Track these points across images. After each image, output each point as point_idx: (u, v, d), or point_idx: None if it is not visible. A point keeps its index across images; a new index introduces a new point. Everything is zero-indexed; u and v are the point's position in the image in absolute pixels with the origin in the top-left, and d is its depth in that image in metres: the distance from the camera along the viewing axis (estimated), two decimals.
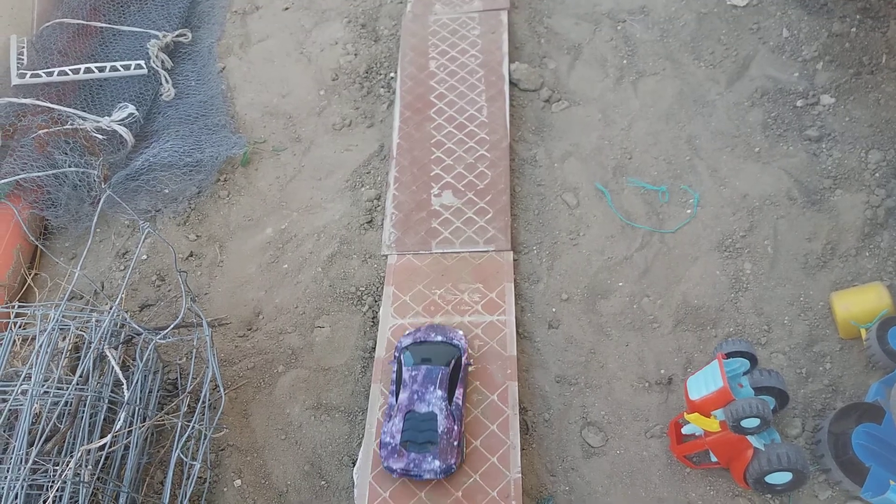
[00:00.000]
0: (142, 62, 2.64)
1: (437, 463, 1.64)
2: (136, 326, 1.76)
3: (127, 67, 2.64)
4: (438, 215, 2.17)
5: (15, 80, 2.56)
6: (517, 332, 1.91)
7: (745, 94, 2.36)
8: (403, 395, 1.73)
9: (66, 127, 2.31)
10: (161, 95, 2.64)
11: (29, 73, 2.58)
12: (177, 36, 2.81)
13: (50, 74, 2.58)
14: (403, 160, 2.31)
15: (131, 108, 2.48)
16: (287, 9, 2.93)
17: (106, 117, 2.46)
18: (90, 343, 1.75)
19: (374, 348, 1.95)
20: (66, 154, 2.29)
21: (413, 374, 1.75)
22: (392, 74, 2.61)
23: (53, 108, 2.44)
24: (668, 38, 2.56)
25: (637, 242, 2.09)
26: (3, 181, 2.20)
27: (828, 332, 1.87)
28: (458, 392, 1.74)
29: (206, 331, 1.77)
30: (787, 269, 1.99)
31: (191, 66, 2.76)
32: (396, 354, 1.82)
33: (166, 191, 2.36)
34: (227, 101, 2.62)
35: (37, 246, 2.31)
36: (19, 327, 1.84)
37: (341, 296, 2.09)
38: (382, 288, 2.05)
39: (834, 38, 2.44)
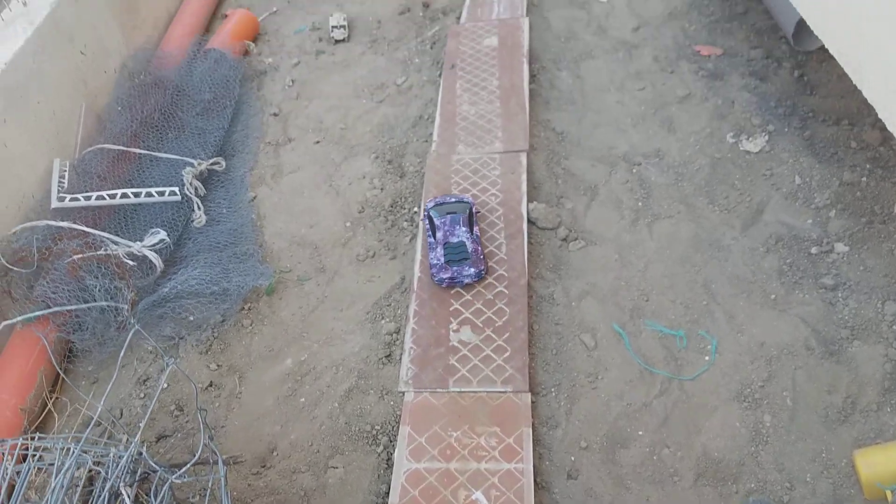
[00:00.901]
0: (176, 189, 2.76)
1: (472, 269, 2.32)
2: (153, 465, 1.76)
3: (161, 194, 2.76)
4: (456, 351, 2.19)
5: (55, 204, 2.68)
6: (535, 481, 1.89)
7: (760, 239, 2.42)
8: (439, 234, 2.44)
9: (100, 252, 2.39)
10: (193, 222, 2.75)
11: (68, 196, 2.70)
12: (211, 164, 2.94)
13: (88, 199, 2.69)
14: (423, 294, 2.36)
15: (163, 234, 2.57)
16: (318, 142, 3.07)
17: (138, 242, 2.55)
18: (106, 478, 1.75)
19: (387, 493, 1.93)
20: (97, 278, 2.36)
21: (442, 220, 2.48)
22: (416, 209, 2.70)
23: (88, 233, 2.54)
24: (683, 182, 2.65)
25: (656, 389, 2.09)
26: (34, 314, 2.26)
27: (852, 492, 1.84)
28: (475, 228, 2.47)
29: (221, 470, 1.77)
30: (807, 422, 1.97)
31: (223, 193, 2.87)
32: (426, 213, 2.53)
33: (191, 318, 2.41)
34: (256, 229, 2.71)
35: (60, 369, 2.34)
36: (37, 459, 1.84)
37: (356, 434, 2.09)
38: (398, 427, 2.05)
39: (845, 187, 2.52)
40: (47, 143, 2.82)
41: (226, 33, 3.64)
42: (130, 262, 2.41)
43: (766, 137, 2.74)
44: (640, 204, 2.60)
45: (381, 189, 2.81)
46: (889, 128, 2.13)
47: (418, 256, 2.47)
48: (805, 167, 2.61)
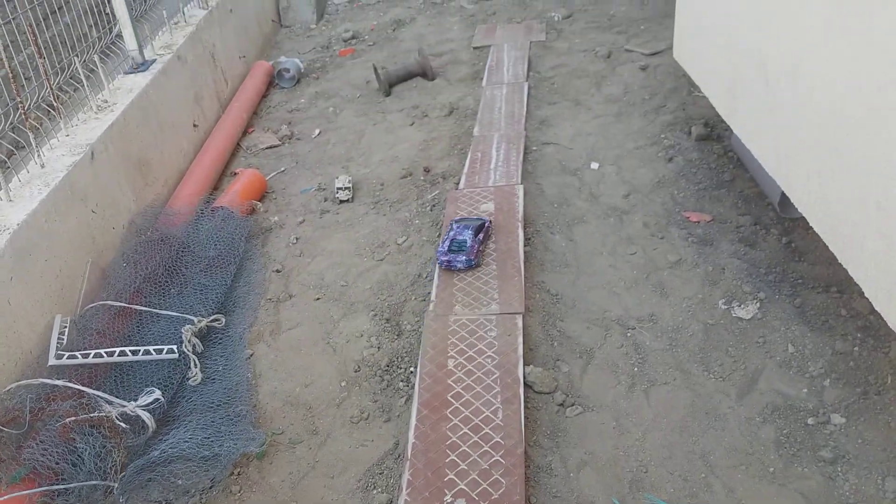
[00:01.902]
0: (174, 347, 2.78)
1: (464, 258, 3.03)
2: None
3: (159, 352, 2.77)
4: None
5: (52, 361, 2.69)
6: None
7: (756, 408, 2.41)
8: (451, 233, 3.17)
9: (93, 415, 2.38)
10: (188, 379, 2.75)
11: (66, 354, 2.71)
12: (211, 321, 2.98)
13: (86, 356, 2.70)
14: (418, 462, 2.32)
15: (157, 394, 2.56)
16: (318, 299, 3.13)
17: (132, 402, 2.54)
18: None
19: None
20: (88, 442, 2.33)
21: (457, 226, 3.23)
22: (412, 369, 2.71)
23: (83, 392, 2.53)
24: (677, 348, 2.67)
25: None
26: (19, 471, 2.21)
27: None
28: (481, 237, 3.17)
29: None
30: None
31: (220, 350, 2.89)
32: (450, 224, 3.28)
33: (179, 482, 2.35)
34: (251, 388, 2.71)
35: None
36: None
37: None
38: None
39: (838, 356, 2.54)
40: (50, 299, 2.87)
41: (234, 192, 3.81)
42: (123, 425, 2.38)
43: (758, 304, 2.79)
44: (635, 369, 2.62)
45: (378, 348, 2.83)
46: (876, 307, 2.19)
47: (413, 420, 2.45)
48: (797, 335, 2.65)
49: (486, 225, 3.26)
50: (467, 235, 3.14)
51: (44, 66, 3.42)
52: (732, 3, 3.13)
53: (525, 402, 2.48)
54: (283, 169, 4.35)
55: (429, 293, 3.03)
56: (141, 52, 4.36)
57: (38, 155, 3.24)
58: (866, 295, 2.25)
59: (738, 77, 3.12)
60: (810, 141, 2.48)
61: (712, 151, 3.89)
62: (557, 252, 3.26)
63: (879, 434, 2.27)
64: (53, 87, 3.45)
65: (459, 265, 3.05)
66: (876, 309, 2.19)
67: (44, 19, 3.87)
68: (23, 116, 3.16)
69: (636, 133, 4.24)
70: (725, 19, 3.24)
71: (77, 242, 3.09)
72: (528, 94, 4.87)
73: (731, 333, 2.70)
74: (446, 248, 3.10)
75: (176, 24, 4.97)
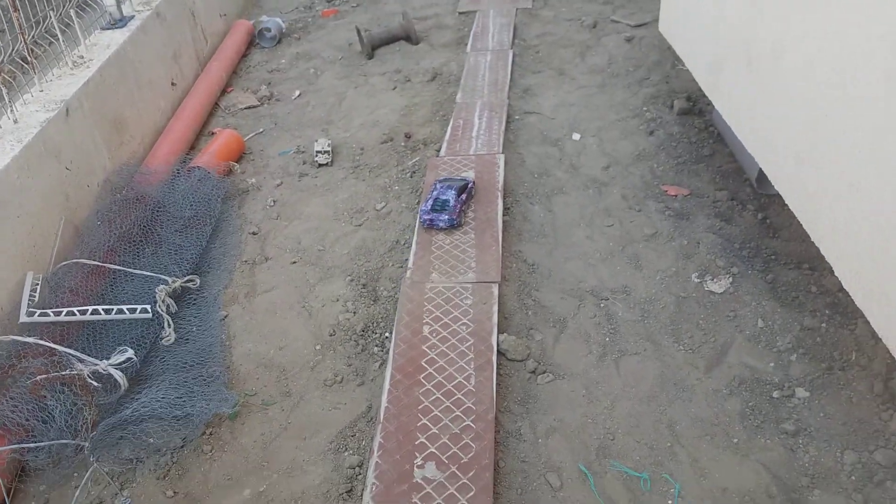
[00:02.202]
0: (147, 307, 2.76)
1: (446, 216, 3.09)
2: None
3: (133, 311, 2.76)
4: (420, 489, 2.15)
5: (23, 318, 2.66)
6: None
7: (724, 381, 2.45)
8: (434, 193, 3.21)
9: (65, 373, 2.37)
10: (161, 339, 2.74)
11: (38, 311, 2.69)
12: (186, 281, 2.96)
13: (58, 314, 2.68)
14: (390, 425, 2.34)
15: (130, 353, 2.55)
16: (295, 262, 3.12)
17: (104, 360, 2.53)
18: None
19: None
20: (59, 399, 2.32)
21: (441, 185, 3.26)
22: (387, 334, 2.73)
23: (55, 350, 2.51)
24: (649, 320, 2.71)
25: None
26: None
27: None
28: (464, 197, 3.22)
29: None
30: None
31: (194, 311, 2.88)
32: (433, 184, 3.31)
33: (151, 441, 2.35)
34: (224, 350, 2.71)
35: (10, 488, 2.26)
36: None
37: None
38: None
39: (806, 332, 2.59)
40: (22, 256, 2.83)
41: (211, 152, 3.76)
42: (95, 383, 2.37)
43: (731, 279, 2.83)
44: (607, 339, 2.65)
45: (354, 313, 2.84)
46: (844, 285, 2.22)
47: (387, 385, 2.47)
48: (768, 310, 2.69)
49: (469, 185, 3.30)
50: (450, 195, 3.18)
51: (18, 19, 3.33)
52: None
53: (497, 369, 2.50)
54: (261, 130, 4.29)
55: (406, 260, 3.03)
56: (119, 8, 4.26)
57: (12, 110, 3.17)
58: (835, 273, 2.29)
59: (722, 54, 3.11)
60: (789, 121, 2.49)
61: (693, 126, 3.90)
62: (536, 222, 3.27)
63: (841, 409, 2.32)
64: (28, 41, 3.36)
65: (441, 224, 3.10)
66: (845, 288, 2.23)
67: None
68: None
69: (619, 105, 4.24)
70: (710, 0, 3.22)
71: (50, 200, 3.04)
72: (513, 61, 4.83)
73: (703, 307, 2.74)
74: (429, 207, 3.15)
75: None
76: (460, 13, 5.73)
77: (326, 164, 3.84)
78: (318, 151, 3.87)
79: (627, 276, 2.91)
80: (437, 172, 3.58)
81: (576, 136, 3.97)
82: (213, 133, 4.17)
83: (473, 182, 3.36)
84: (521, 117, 4.22)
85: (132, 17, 4.31)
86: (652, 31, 4.98)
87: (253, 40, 5.48)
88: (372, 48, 5.14)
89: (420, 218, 3.16)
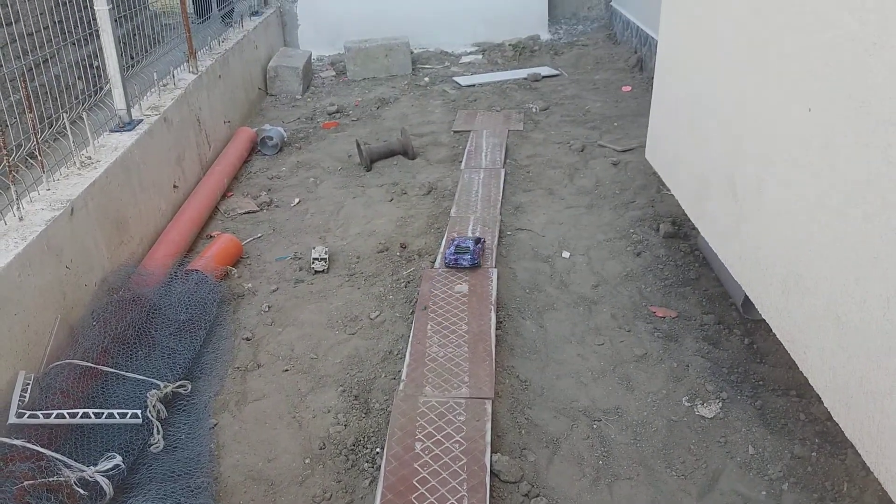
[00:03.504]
0: (138, 412, 2.73)
1: (468, 257, 3.72)
2: None
3: (123, 416, 2.72)
4: None
5: (12, 419, 2.62)
6: None
7: None
8: (455, 242, 3.86)
9: (51, 479, 2.31)
10: (150, 446, 2.69)
11: (27, 413, 2.65)
12: (177, 387, 2.94)
13: (48, 416, 2.64)
14: None
15: (118, 460, 2.51)
16: (287, 370, 3.12)
17: (91, 466, 2.48)
18: None
19: None
20: None
21: (458, 238, 3.90)
22: (378, 450, 2.70)
23: (42, 454, 2.46)
24: (641, 443, 2.71)
25: None
26: None
27: None
28: (480, 246, 3.85)
29: None
30: None
31: (184, 418, 2.85)
32: (451, 241, 3.98)
33: None
34: (213, 460, 2.66)
35: None
36: None
37: None
38: None
39: (797, 461, 2.61)
40: (15, 354, 2.81)
41: (209, 256, 3.82)
42: (82, 491, 2.32)
43: (720, 404, 2.87)
44: (600, 462, 2.64)
45: (345, 425, 2.82)
46: (833, 416, 2.27)
47: (378, 503, 2.43)
48: (758, 437, 2.71)
49: (482, 240, 3.98)
50: (469, 243, 3.85)
51: (32, 120, 3.45)
52: (704, 118, 3.32)
53: (490, 490, 2.48)
54: (259, 235, 4.38)
55: (399, 371, 3.05)
56: (128, 112, 4.41)
57: (18, 207, 3.22)
58: (826, 405, 2.33)
59: (707, 185, 3.28)
60: (775, 254, 2.60)
61: (679, 249, 4.03)
62: (528, 338, 3.32)
63: None
64: (40, 140, 3.47)
65: (465, 263, 3.74)
66: (834, 419, 2.27)
67: (35, 66, 3.93)
68: (7, 168, 3.16)
69: (606, 225, 4.39)
70: (697, 132, 3.43)
71: (48, 298, 3.05)
72: (505, 179, 5.03)
73: (694, 431, 2.76)
74: (453, 251, 3.79)
75: (165, 86, 5.06)
76: (455, 132, 5.99)
77: (322, 272, 3.91)
78: (314, 258, 3.94)
79: (619, 397, 2.94)
80: (431, 283, 3.65)
81: (566, 254, 4.09)
82: (211, 236, 4.25)
83: (484, 240, 4.00)
84: (512, 233, 4.35)
85: (140, 120, 4.46)
86: (638, 156, 5.22)
87: (255, 147, 5.67)
88: (370, 161, 5.33)
89: (445, 260, 3.79)
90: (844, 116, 2.14)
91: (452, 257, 3.76)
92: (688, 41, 3.61)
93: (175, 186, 4.56)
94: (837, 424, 2.31)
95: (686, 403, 2.89)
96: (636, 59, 7.44)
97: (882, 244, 1.97)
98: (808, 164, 2.36)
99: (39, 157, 3.48)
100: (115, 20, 4.26)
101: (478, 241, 3.90)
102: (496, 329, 3.30)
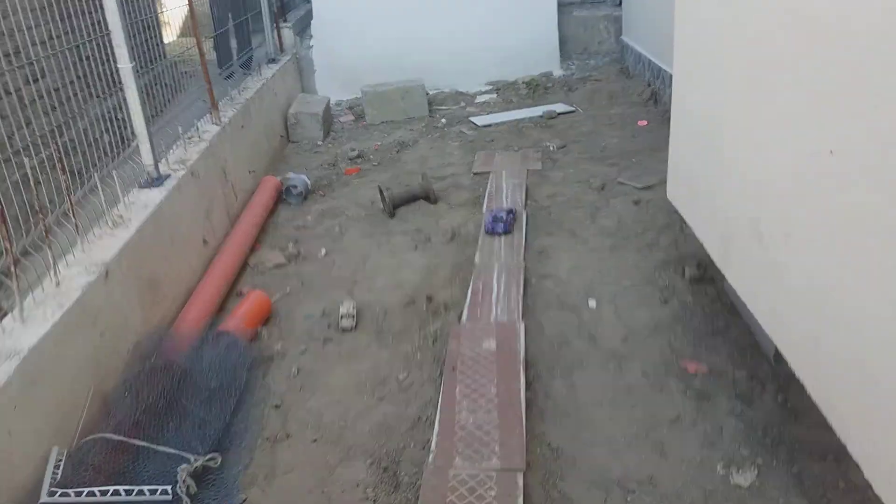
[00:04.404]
0: (168, 488, 2.75)
1: (501, 226, 4.78)
2: None
3: (153, 492, 2.74)
4: None
5: (44, 499, 2.65)
6: None
7: None
8: (493, 212, 4.93)
9: None
10: None
11: (59, 491, 2.67)
12: (207, 460, 2.95)
13: (79, 494, 2.67)
14: None
15: None
16: (316, 440, 3.12)
17: None
18: None
19: None
20: None
21: (496, 208, 4.95)
22: None
23: None
24: None
25: None
26: None
27: None
28: (511, 216, 4.89)
29: None
30: None
31: (213, 493, 2.85)
32: (489, 211, 5.03)
33: None
34: None
35: None
36: None
37: None
38: None
39: None
40: (49, 428, 2.84)
41: (239, 316, 3.85)
42: None
43: (756, 472, 2.81)
44: None
45: (374, 501, 2.80)
46: (875, 489, 2.20)
47: None
48: None
49: (514, 210, 5.01)
50: (503, 214, 4.86)
51: (66, 181, 3.49)
52: (724, 157, 3.26)
53: None
54: (288, 290, 4.41)
55: (428, 440, 3.03)
56: (156, 168, 4.46)
57: (55, 272, 3.23)
58: (865, 476, 2.27)
59: (732, 229, 3.21)
60: (806, 304, 2.51)
61: (706, 294, 3.98)
62: (558, 400, 3.28)
63: None
64: (73, 201, 3.50)
65: (500, 230, 4.78)
66: (875, 492, 2.21)
67: (63, 122, 4.00)
68: (42, 232, 3.19)
69: (631, 269, 4.35)
70: (719, 172, 3.37)
71: (82, 367, 3.08)
72: (527, 222, 5.02)
73: (731, 502, 2.70)
74: (490, 219, 4.86)
75: (190, 139, 5.13)
76: (475, 174, 6.01)
77: (350, 329, 3.91)
78: (342, 315, 3.95)
79: (653, 465, 2.89)
80: (459, 341, 3.64)
81: (592, 304, 4.05)
82: (241, 293, 4.28)
83: (514, 210, 5.04)
84: (537, 281, 4.33)
85: (168, 175, 4.51)
86: (659, 193, 5.18)
87: (280, 196, 5.72)
88: (394, 207, 5.35)
89: (485, 227, 4.87)
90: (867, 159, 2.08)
91: (490, 225, 4.80)
92: (703, 78, 3.59)
93: (205, 241, 4.61)
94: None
95: (721, 471, 2.83)
96: (650, 92, 7.42)
97: None
98: (832, 212, 2.30)
99: (74, 220, 3.51)
100: (137, 71, 4.32)
101: (510, 211, 4.93)
102: (526, 390, 3.27)
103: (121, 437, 2.96)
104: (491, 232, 4.76)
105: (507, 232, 4.76)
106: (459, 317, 3.92)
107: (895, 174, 1.96)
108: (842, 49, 2.21)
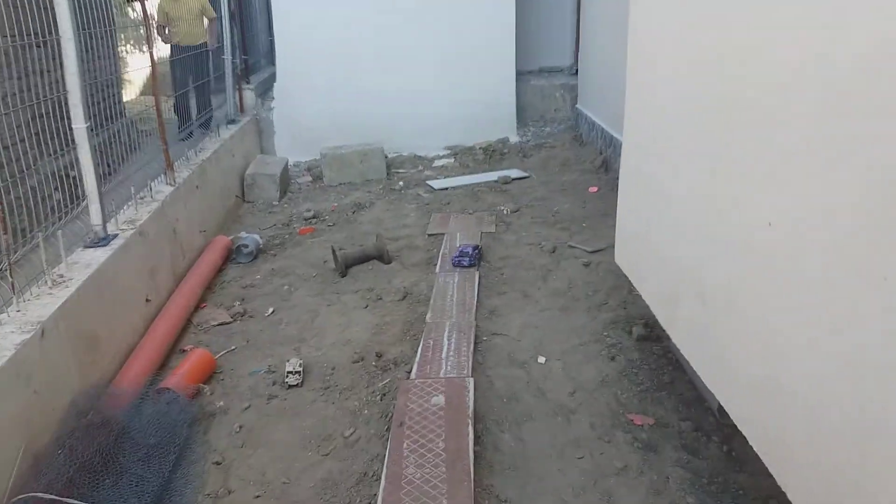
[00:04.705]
0: None
1: (467, 261, 5.21)
2: None
3: None
4: None
5: None
6: None
7: None
8: (459, 248, 5.36)
9: None
10: None
11: None
12: None
13: None
14: None
15: None
16: (258, 497, 3.03)
17: None
18: None
19: None
20: None
21: (462, 246, 5.37)
22: None
23: None
24: None
25: None
26: None
27: None
28: (477, 252, 5.34)
29: None
30: None
31: None
32: (457, 246, 5.49)
33: None
34: None
35: None
36: None
37: None
38: None
39: None
40: None
41: (181, 373, 3.76)
42: None
43: None
44: None
45: None
46: None
47: None
48: None
49: (479, 247, 5.48)
50: (469, 249, 5.30)
51: (6, 240, 3.44)
52: (669, 223, 3.40)
53: None
54: (233, 348, 4.33)
55: (375, 494, 2.96)
56: (104, 227, 4.40)
57: None
58: None
59: (677, 291, 3.33)
60: (747, 364, 2.62)
61: (652, 352, 4.06)
62: (507, 453, 3.26)
63: None
64: (11, 262, 3.45)
65: (465, 263, 5.21)
66: None
67: (11, 180, 3.94)
68: None
69: (580, 328, 4.41)
70: (664, 239, 3.50)
71: (14, 427, 2.96)
72: (479, 283, 5.07)
73: None
74: (457, 254, 5.29)
75: (142, 198, 5.10)
76: (429, 235, 6.08)
77: (297, 385, 3.85)
78: (288, 372, 3.90)
79: None
80: (407, 396, 3.61)
81: (541, 360, 4.08)
82: (184, 350, 4.20)
83: (479, 246, 5.50)
84: (488, 338, 4.36)
85: (115, 235, 4.45)
86: (608, 256, 5.30)
87: (230, 255, 5.69)
88: (346, 266, 5.36)
89: (452, 260, 5.30)
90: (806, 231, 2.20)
91: (457, 259, 5.21)
92: (650, 148, 3.75)
93: (147, 300, 4.53)
94: None
95: None
96: (601, 160, 7.69)
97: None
98: (778, 276, 2.40)
99: (11, 279, 3.45)
100: (92, 130, 4.31)
101: (476, 247, 5.38)
102: (474, 444, 3.25)
103: (52, 497, 2.83)
104: (457, 265, 5.19)
105: (472, 265, 5.17)
106: (409, 373, 3.91)
107: (832, 246, 2.07)
108: (780, 127, 2.36)
